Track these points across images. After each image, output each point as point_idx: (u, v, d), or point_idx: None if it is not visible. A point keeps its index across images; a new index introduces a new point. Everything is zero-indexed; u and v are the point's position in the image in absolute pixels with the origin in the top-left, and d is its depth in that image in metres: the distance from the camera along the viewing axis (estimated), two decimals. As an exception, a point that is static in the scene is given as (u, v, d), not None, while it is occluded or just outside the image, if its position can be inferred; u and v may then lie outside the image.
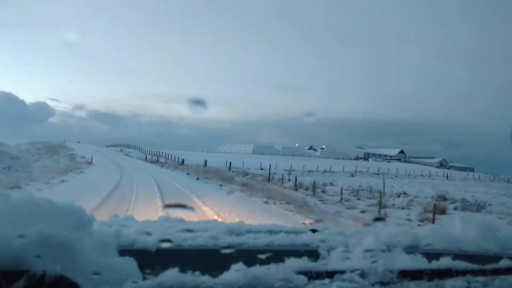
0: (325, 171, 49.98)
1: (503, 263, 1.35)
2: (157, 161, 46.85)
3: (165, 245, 1.24)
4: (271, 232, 1.67)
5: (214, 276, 1.09)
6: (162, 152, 55.80)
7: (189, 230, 1.47)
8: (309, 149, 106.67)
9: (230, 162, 41.18)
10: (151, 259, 1.19)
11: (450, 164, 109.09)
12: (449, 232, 1.68)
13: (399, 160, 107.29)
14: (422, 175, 62.61)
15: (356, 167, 57.49)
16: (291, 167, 44.15)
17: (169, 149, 56.01)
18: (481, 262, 1.33)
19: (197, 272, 1.09)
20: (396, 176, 54.60)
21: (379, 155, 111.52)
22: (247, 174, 35.25)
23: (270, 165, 37.53)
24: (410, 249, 1.46)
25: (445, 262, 1.32)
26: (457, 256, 1.36)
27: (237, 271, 1.10)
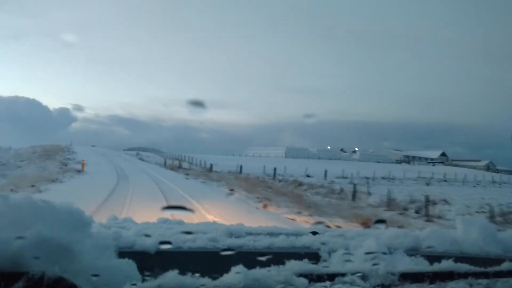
0: (387, 178, 40.86)
1: (505, 266, 1.35)
2: (179, 166, 37.63)
3: (165, 247, 1.23)
4: (271, 234, 1.66)
5: (214, 278, 1.09)
6: (184, 156, 48.71)
7: (189, 232, 1.46)
8: (341, 151, 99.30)
9: (275, 168, 32.87)
10: (150, 261, 1.18)
11: (497, 167, 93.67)
12: (451, 235, 1.67)
13: (442, 163, 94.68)
14: (494, 181, 49.53)
15: (419, 172, 48.49)
16: (342, 173, 38.04)
17: (190, 153, 49.38)
18: (483, 264, 1.32)
19: (197, 274, 1.09)
20: (466, 183, 44.59)
21: (419, 158, 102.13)
22: (300, 185, 26.62)
23: (326, 171, 34.20)
24: (412, 252, 1.46)
25: (446, 264, 1.32)
26: (458, 258, 1.35)
27: (237, 274, 1.10)
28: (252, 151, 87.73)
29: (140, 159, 50.05)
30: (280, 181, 29.45)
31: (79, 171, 24.65)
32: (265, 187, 21.47)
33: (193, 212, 1.11)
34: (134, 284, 1.01)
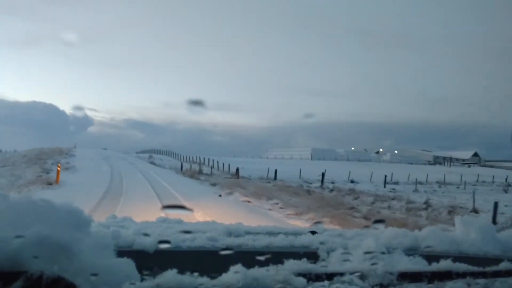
0: (444, 183, 35.44)
1: (504, 266, 1.35)
2: (200, 172, 29.98)
3: (164, 246, 1.24)
4: (270, 233, 1.66)
5: (212, 277, 1.09)
6: (202, 159, 42.19)
7: (188, 232, 1.46)
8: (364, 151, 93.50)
9: (323, 173, 27.60)
10: (149, 260, 1.18)
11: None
12: (449, 234, 1.67)
13: (475, 164, 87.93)
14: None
15: (478, 175, 43.10)
16: (391, 178, 32.51)
17: (204, 155, 44.17)
18: (482, 264, 1.33)
19: (196, 274, 1.09)
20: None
21: (450, 159, 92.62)
22: (358, 197, 20.55)
23: (386, 176, 29.68)
24: (410, 251, 1.46)
25: (445, 264, 1.32)
26: (457, 258, 1.35)
27: (235, 273, 1.10)
28: (273, 152, 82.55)
29: (151, 162, 42.42)
30: (331, 190, 23.43)
31: (50, 184, 17.76)
32: (333, 205, 15.38)
33: (192, 211, 1.11)
34: (133, 283, 1.01)
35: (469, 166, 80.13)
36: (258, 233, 1.64)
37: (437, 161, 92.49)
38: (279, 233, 1.67)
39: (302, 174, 31.63)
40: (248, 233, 1.64)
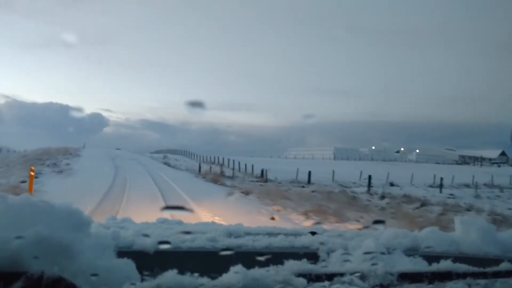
0: (492, 186, 30.36)
1: (504, 266, 1.35)
2: (222, 174, 25.98)
3: (164, 247, 1.24)
4: (270, 234, 1.66)
5: (212, 278, 1.09)
6: (220, 159, 38.65)
7: (188, 232, 1.46)
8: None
9: (370, 177, 21.91)
10: (150, 261, 1.18)
11: None
12: (449, 235, 1.67)
13: (504, 163, 79.21)
14: None
15: None
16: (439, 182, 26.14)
17: (220, 155, 40.93)
18: (482, 265, 1.33)
19: (196, 274, 1.09)
20: None
21: (476, 158, 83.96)
22: (423, 205, 15.63)
23: (441, 178, 24.93)
24: (410, 252, 1.46)
25: (445, 265, 1.32)
26: (457, 258, 1.35)
27: (236, 273, 1.10)
28: (293, 152, 77.23)
29: (165, 163, 37.58)
30: (382, 197, 18.46)
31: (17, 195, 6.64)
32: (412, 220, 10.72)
33: (192, 212, 1.11)
34: (133, 284, 1.01)
35: (499, 166, 72.47)
36: (258, 234, 1.64)
37: (464, 160, 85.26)
38: (279, 233, 1.67)
39: (325, 174, 27.27)
40: (248, 233, 1.64)
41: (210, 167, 30.71)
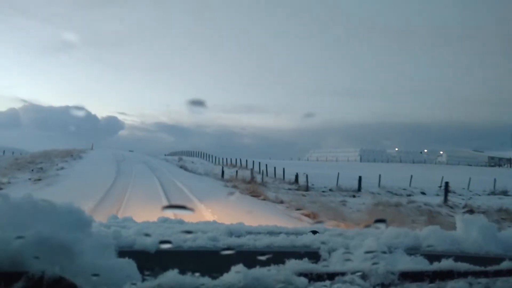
0: None
1: (505, 265, 1.35)
2: (253, 180, 21.42)
3: (165, 246, 1.24)
4: (271, 233, 1.66)
5: (214, 277, 1.09)
6: (238, 161, 35.64)
7: (189, 232, 1.46)
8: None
9: (447, 184, 18.38)
10: (151, 261, 1.18)
11: None
12: (451, 234, 1.67)
13: None
14: None
15: None
16: None
17: (235, 157, 38.47)
18: (483, 263, 1.32)
19: (197, 274, 1.09)
20: None
21: (507, 160, 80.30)
22: None
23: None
24: (411, 251, 1.46)
25: (446, 263, 1.32)
26: (458, 257, 1.35)
27: (237, 273, 1.10)
28: (314, 154, 74.84)
29: (181, 167, 32.89)
30: (470, 211, 14.61)
31: None
32: None
33: (193, 211, 1.11)
34: (134, 284, 1.01)
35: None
36: (259, 233, 1.63)
37: (496, 162, 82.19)
38: (280, 233, 1.67)
39: (371, 180, 23.48)
40: (249, 233, 1.64)
41: (237, 172, 25.37)
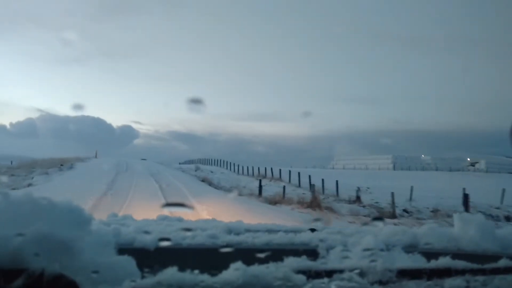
0: None
1: (502, 263, 1.35)
2: (317, 203, 14.52)
3: (164, 244, 1.24)
4: (270, 231, 1.67)
5: (213, 275, 1.09)
6: (264, 170, 30.52)
7: (188, 229, 1.47)
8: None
9: None
10: (150, 258, 1.19)
11: None
12: (448, 232, 1.68)
13: None
14: None
15: None
16: None
17: (249, 165, 34.48)
18: (480, 261, 1.33)
19: (196, 271, 1.09)
20: None
21: None
22: None
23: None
24: (409, 248, 1.46)
25: (444, 261, 1.32)
26: (456, 255, 1.36)
27: (236, 270, 1.10)
28: (341, 162, 69.07)
29: (204, 180, 25.63)
30: None
31: None
32: None
33: (192, 209, 1.11)
34: (134, 281, 1.01)
35: None
36: (258, 231, 1.64)
37: None
38: (279, 230, 1.68)
39: (420, 193, 18.68)
40: (248, 230, 1.64)
41: (284, 188, 18.62)
